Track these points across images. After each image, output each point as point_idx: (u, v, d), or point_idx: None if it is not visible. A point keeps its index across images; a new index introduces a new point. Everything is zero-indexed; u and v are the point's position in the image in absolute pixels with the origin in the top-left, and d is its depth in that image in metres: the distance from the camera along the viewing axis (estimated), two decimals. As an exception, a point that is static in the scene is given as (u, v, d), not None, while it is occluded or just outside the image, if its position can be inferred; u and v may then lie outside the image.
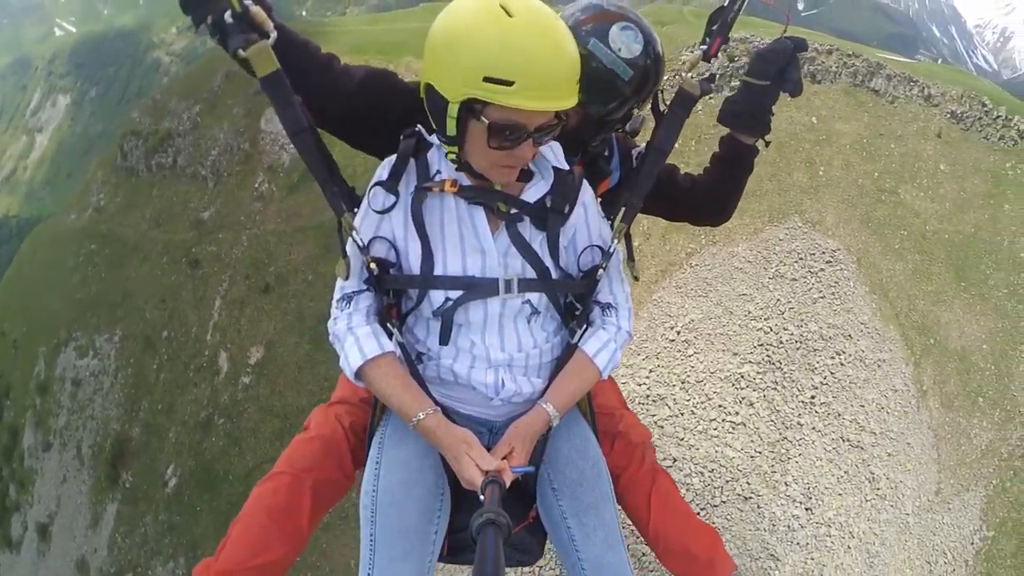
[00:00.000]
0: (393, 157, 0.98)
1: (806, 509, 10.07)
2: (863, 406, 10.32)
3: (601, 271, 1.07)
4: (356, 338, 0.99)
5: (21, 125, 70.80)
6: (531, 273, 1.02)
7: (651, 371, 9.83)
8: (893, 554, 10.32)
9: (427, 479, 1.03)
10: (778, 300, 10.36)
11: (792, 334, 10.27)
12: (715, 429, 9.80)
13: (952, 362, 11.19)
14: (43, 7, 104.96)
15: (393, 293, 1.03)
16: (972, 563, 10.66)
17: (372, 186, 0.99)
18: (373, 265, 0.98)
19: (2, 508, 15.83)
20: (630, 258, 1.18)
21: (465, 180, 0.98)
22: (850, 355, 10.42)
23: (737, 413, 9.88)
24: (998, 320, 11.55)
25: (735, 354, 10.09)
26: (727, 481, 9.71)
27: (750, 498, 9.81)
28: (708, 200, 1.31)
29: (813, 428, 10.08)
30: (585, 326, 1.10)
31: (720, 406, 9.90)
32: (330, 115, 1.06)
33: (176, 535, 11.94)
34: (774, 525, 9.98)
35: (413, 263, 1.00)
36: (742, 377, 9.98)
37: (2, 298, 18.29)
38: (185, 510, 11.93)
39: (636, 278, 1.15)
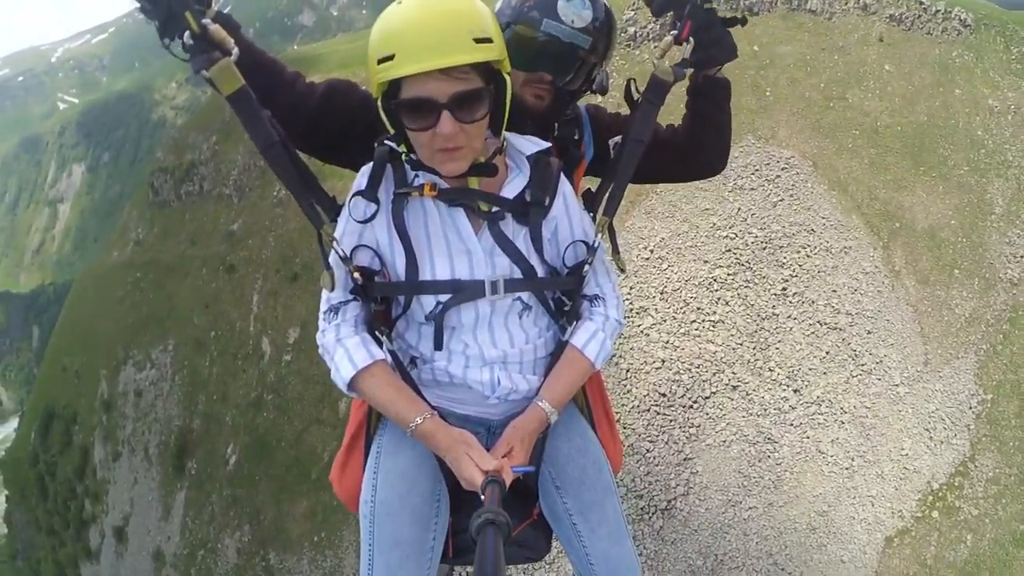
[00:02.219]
0: (370, 165, 1.06)
1: (794, 391, 11.77)
2: (835, 291, 12.04)
3: (587, 266, 1.15)
4: (346, 349, 1.07)
5: (42, 199, 79.32)
6: (517, 272, 1.09)
7: (631, 288, 11.98)
8: (888, 425, 11.79)
9: (423, 487, 1.12)
10: (739, 209, 12.36)
11: (756, 236, 12.23)
12: (696, 329, 11.79)
13: (922, 241, 12.71)
14: (43, 84, 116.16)
15: (381, 300, 1.11)
16: (974, 427, 11.97)
17: (352, 196, 1.06)
18: (357, 275, 1.06)
19: (79, 523, 18.88)
20: (615, 251, 1.27)
21: (443, 182, 1.06)
22: (815, 247, 12.24)
23: (714, 312, 11.85)
24: (962, 196, 13.02)
25: (706, 262, 12.12)
26: (714, 373, 11.60)
27: (738, 386, 11.63)
28: (689, 148, 1.32)
29: (788, 316, 11.89)
30: (576, 321, 1.18)
31: (698, 308, 11.90)
32: (297, 134, 1.13)
33: (240, 506, 14.63)
34: (765, 409, 11.70)
35: (399, 269, 1.08)
36: (715, 280, 11.98)
37: (58, 341, 22.09)
38: (246, 482, 14.64)
39: (622, 270, 1.23)
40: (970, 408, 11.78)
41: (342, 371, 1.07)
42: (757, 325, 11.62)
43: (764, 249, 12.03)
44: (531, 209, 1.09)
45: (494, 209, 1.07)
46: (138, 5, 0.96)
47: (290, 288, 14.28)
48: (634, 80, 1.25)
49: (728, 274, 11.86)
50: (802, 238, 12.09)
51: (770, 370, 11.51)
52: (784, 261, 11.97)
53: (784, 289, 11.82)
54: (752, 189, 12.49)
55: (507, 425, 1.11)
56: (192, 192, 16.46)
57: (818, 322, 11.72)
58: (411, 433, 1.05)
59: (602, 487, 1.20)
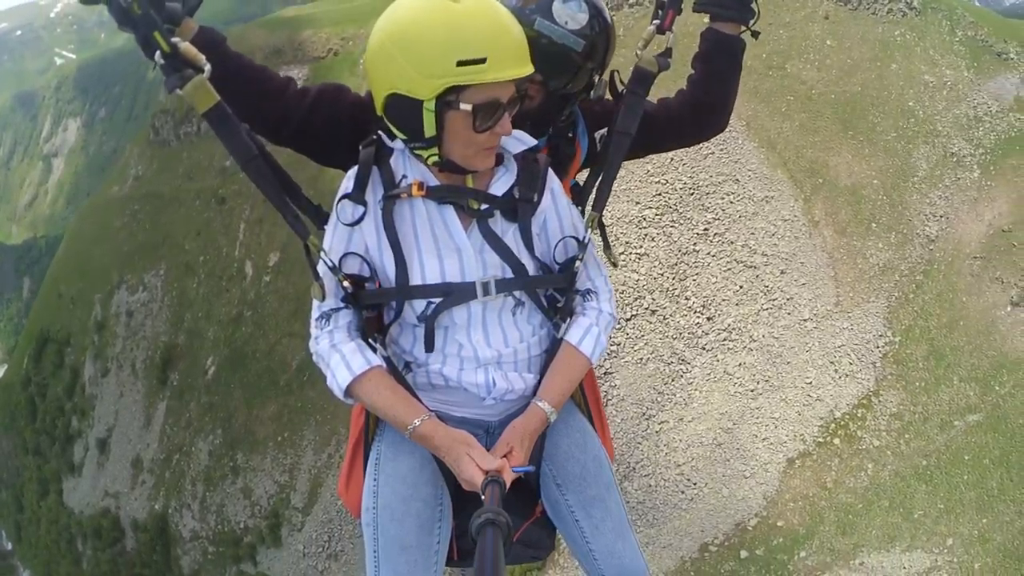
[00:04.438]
0: (355, 168, 1.17)
1: (707, 318, 14.47)
2: (753, 234, 14.77)
3: (579, 262, 1.27)
4: (342, 355, 1.19)
5: (36, 153, 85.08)
6: (508, 270, 1.21)
7: (569, 222, 15.09)
8: (795, 354, 14.33)
9: (425, 492, 1.25)
10: (671, 159, 15.26)
11: (685, 183, 15.14)
12: (623, 260, 14.67)
13: (843, 196, 15.32)
14: (41, 39, 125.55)
15: (373, 307, 1.23)
16: (880, 364, 14.42)
17: (339, 199, 1.17)
18: (347, 283, 1.17)
19: (65, 439, 22.29)
20: (606, 246, 1.42)
21: (432, 180, 1.17)
22: (739, 195, 15.04)
23: (641, 246, 14.75)
24: (888, 159, 15.60)
25: (637, 203, 15.06)
26: (635, 299, 14.45)
27: (656, 311, 14.43)
28: (691, 109, 1.46)
29: (708, 253, 14.68)
30: (569, 317, 1.31)
31: (626, 243, 14.81)
32: (285, 137, 1.28)
33: (214, 412, 17.88)
34: (680, 333, 14.43)
35: (389, 274, 1.19)
36: (644, 219, 14.90)
37: (56, 270, 25.91)
38: (222, 390, 17.94)
39: (615, 265, 1.38)
40: (877, 348, 14.31)
41: (338, 378, 1.19)
42: (678, 259, 14.49)
43: (692, 195, 14.94)
44: (520, 206, 1.21)
45: (483, 207, 1.19)
46: (117, 25, 1.05)
47: (274, 216, 17.73)
48: (617, 72, 1.42)
49: (656, 214, 14.80)
50: (727, 187, 14.97)
51: (687, 299, 14.33)
52: (708, 206, 14.85)
53: (706, 230, 14.68)
54: (687, 142, 15.46)
55: (505, 425, 1.24)
56: (191, 133, 20.22)
57: (735, 260, 14.52)
58: (410, 435, 1.17)
59: (604, 483, 1.34)
